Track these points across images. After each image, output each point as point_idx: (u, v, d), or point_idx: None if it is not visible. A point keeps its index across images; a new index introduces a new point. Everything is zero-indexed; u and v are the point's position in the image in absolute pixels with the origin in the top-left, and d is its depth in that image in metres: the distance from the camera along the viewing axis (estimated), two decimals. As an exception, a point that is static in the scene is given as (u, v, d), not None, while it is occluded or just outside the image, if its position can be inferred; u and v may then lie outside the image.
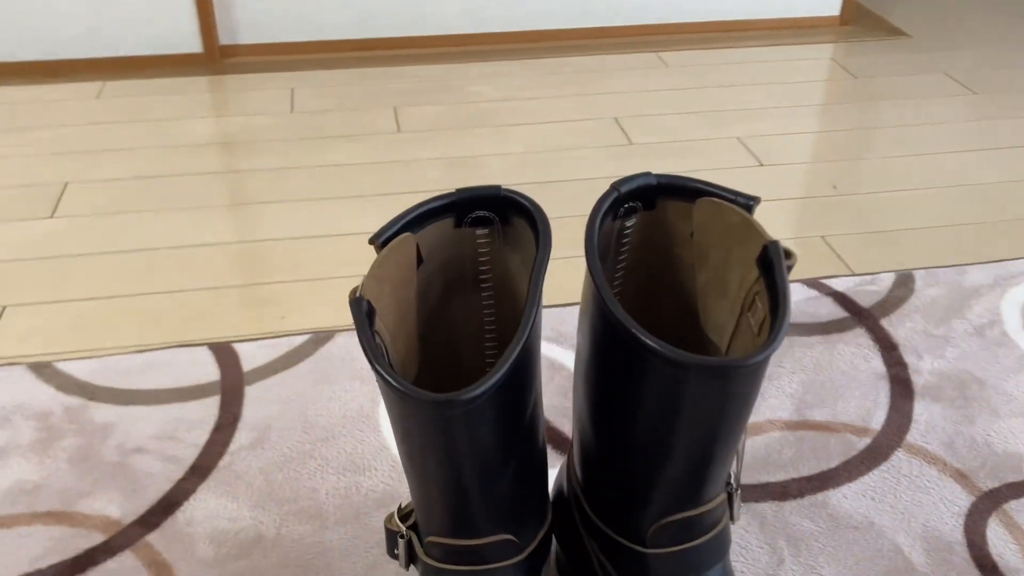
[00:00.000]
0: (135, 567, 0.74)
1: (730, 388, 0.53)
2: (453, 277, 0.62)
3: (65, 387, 0.94)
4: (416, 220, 0.57)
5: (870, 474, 0.85)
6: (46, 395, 0.93)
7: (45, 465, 0.84)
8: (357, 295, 0.52)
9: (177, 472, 0.84)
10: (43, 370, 0.96)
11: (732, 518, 0.64)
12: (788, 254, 0.58)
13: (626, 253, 0.64)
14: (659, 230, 0.63)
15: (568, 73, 1.78)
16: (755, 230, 0.57)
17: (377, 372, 0.50)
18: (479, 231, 0.60)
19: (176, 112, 1.60)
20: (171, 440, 0.87)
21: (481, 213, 0.59)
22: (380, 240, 0.55)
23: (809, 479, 0.84)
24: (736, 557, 0.76)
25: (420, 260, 0.59)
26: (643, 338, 0.52)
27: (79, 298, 1.11)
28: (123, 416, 0.90)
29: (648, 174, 0.60)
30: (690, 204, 0.61)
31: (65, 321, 1.06)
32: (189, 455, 0.85)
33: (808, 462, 0.86)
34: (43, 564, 0.75)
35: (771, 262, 0.55)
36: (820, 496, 0.82)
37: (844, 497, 0.82)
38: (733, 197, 0.59)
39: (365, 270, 1.17)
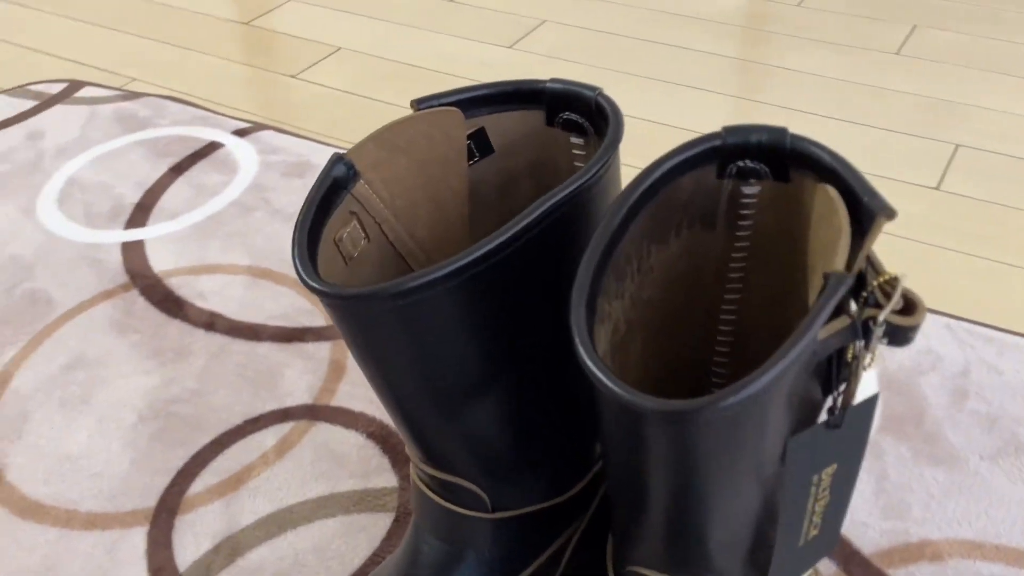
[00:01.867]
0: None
1: (688, 439, 0.38)
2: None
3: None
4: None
5: None
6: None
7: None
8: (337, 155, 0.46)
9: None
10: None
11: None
12: (905, 304, 0.38)
13: (748, 232, 0.47)
14: (793, 210, 0.45)
15: None
16: (838, 248, 0.37)
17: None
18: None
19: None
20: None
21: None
22: (421, 104, 0.48)
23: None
24: None
25: (486, 151, 0.50)
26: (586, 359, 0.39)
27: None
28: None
29: (780, 129, 0.43)
30: (814, 183, 0.42)
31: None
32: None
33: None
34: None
35: (823, 296, 0.36)
36: None
37: None
38: (865, 196, 0.39)
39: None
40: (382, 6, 1.48)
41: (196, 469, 0.74)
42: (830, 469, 0.44)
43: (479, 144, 0.50)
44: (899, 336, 0.39)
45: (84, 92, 1.24)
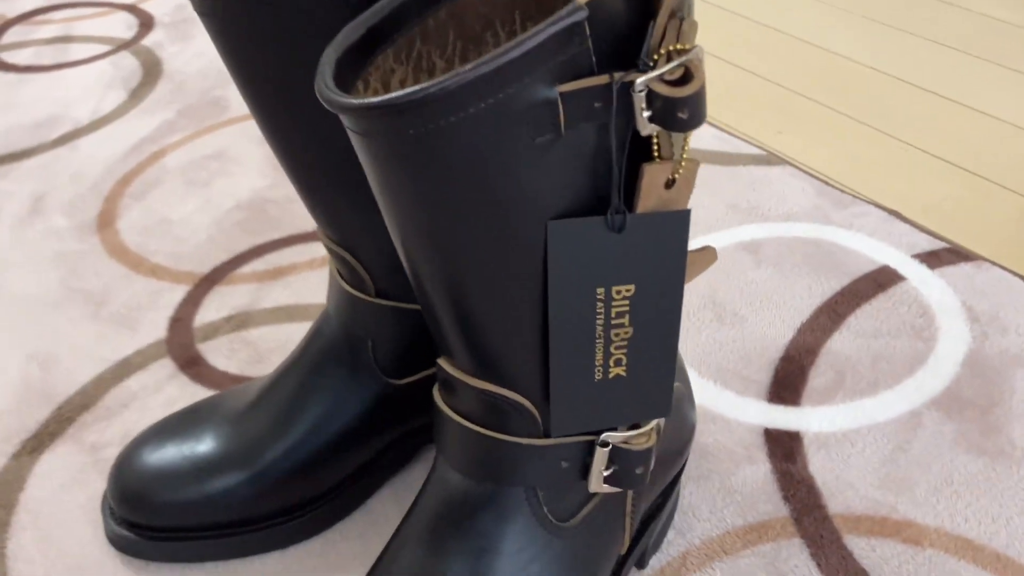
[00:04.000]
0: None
1: (418, 153, 0.34)
2: None
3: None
4: None
5: None
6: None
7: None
8: None
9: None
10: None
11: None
12: None
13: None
14: None
15: None
16: None
17: None
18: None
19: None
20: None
21: None
22: None
23: None
24: None
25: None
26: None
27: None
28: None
29: None
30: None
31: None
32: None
33: None
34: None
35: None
36: None
37: None
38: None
39: None
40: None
41: (252, 256, 0.80)
42: (623, 288, 0.38)
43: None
44: (670, 115, 0.33)
45: None
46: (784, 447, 0.61)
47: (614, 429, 0.45)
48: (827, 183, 0.85)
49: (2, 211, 0.88)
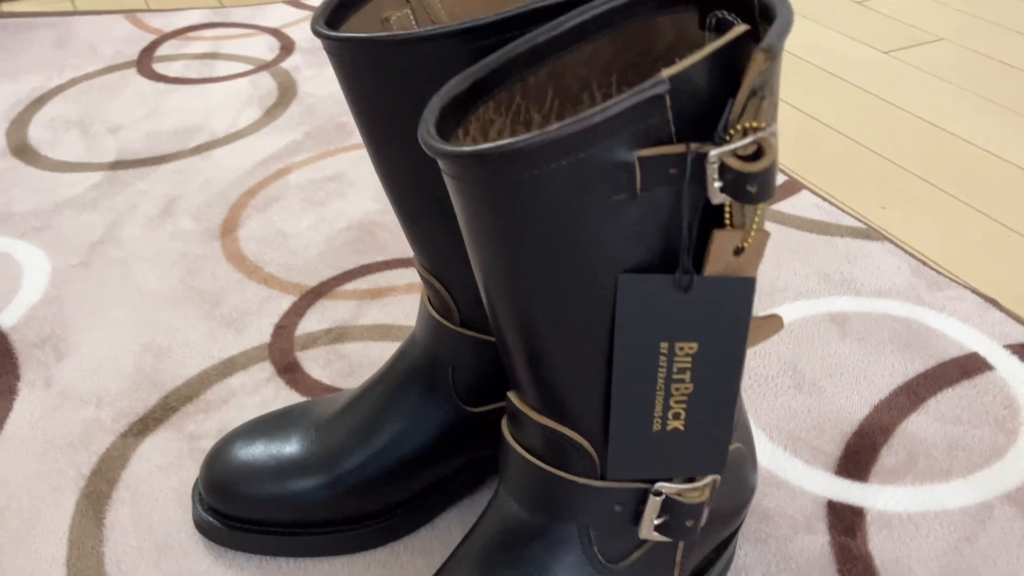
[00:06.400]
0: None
1: (501, 200, 0.37)
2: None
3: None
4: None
5: None
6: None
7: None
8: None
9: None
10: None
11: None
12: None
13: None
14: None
15: None
16: (682, 62, 0.34)
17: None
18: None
19: None
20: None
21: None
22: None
23: None
24: None
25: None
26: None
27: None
28: None
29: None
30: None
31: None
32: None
33: None
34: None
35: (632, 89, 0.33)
36: None
37: None
38: (767, 34, 0.35)
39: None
40: None
41: (357, 275, 0.85)
42: (687, 346, 0.40)
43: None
44: (739, 187, 0.35)
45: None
46: (846, 521, 0.61)
47: (669, 480, 0.46)
48: (924, 263, 0.84)
49: (137, 210, 0.95)
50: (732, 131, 0.36)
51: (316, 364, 0.75)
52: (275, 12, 1.40)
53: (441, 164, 0.39)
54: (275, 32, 1.34)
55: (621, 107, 0.34)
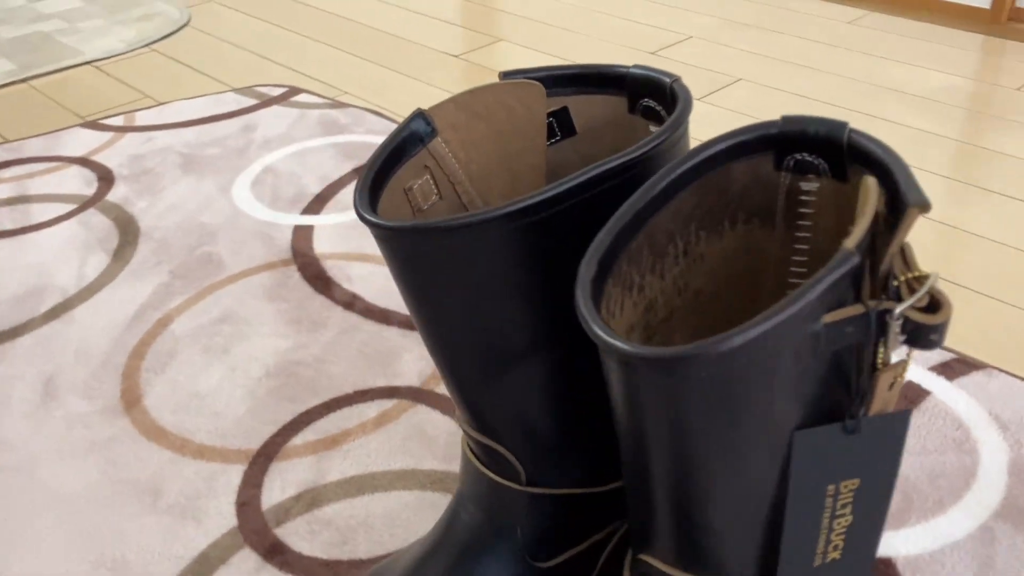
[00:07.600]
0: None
1: (678, 392, 0.37)
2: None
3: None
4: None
5: None
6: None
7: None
8: (419, 110, 0.49)
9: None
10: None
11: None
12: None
13: (808, 233, 0.45)
14: (853, 210, 0.43)
15: None
16: (856, 230, 0.36)
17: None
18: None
19: (933, 62, 1.49)
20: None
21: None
22: (508, 76, 0.50)
23: None
24: None
25: (568, 131, 0.52)
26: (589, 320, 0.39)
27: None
28: None
29: (839, 123, 0.41)
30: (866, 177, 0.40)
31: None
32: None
33: None
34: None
35: (825, 267, 0.35)
36: None
37: None
38: (905, 188, 0.37)
39: None
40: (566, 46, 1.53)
41: (300, 425, 0.79)
42: (851, 483, 0.41)
43: (561, 123, 0.52)
44: (921, 337, 0.37)
45: (299, 97, 1.37)
46: (881, 574, 0.65)
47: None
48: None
49: (11, 399, 0.83)
50: (897, 283, 0.37)
51: (301, 538, 0.69)
52: (72, 139, 1.28)
53: (636, 366, 0.37)
54: (84, 161, 1.22)
55: (819, 290, 0.35)
